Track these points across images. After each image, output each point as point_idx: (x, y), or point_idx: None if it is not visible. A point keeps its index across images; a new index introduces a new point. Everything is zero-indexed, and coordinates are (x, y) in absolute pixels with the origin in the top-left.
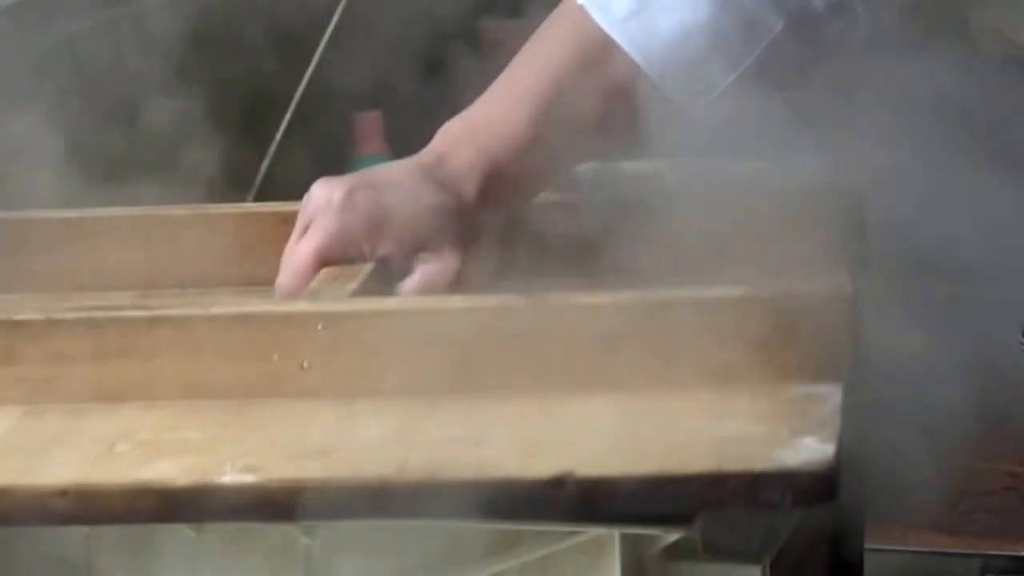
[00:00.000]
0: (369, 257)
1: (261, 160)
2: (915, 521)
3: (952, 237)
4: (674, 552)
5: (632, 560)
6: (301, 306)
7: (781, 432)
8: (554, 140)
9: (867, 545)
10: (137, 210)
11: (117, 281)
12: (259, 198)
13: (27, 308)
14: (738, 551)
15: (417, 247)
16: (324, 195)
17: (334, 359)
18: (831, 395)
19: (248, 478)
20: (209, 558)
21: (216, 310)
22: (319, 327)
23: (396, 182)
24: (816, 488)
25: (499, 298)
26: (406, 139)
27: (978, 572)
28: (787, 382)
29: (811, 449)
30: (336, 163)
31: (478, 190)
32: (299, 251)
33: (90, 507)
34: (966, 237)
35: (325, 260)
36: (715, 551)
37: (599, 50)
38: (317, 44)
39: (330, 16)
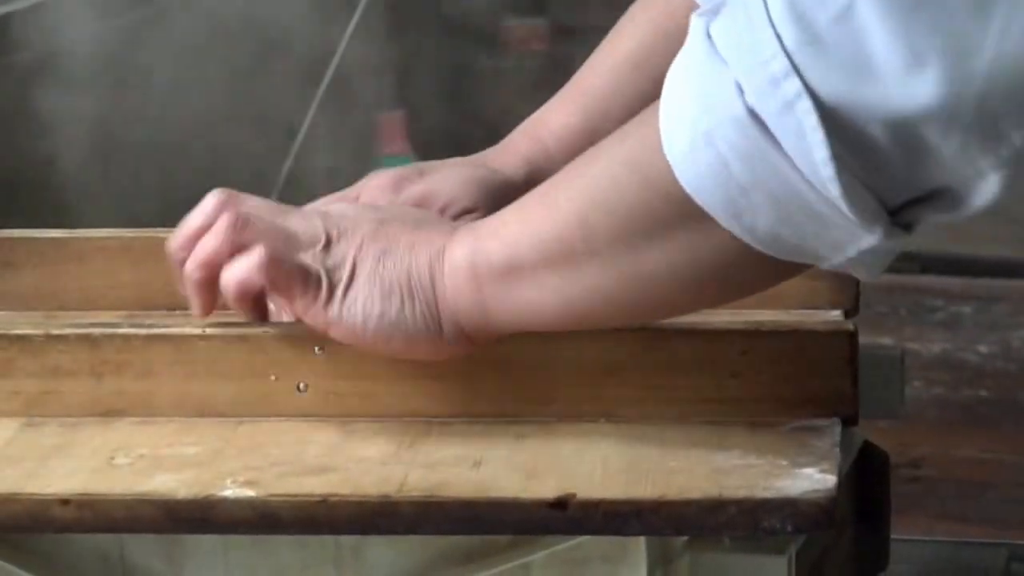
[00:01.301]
0: None
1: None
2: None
3: None
4: (700, 541)
5: (659, 550)
6: (299, 329)
7: (780, 463)
8: None
9: (893, 535)
10: (126, 232)
11: (104, 302)
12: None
13: (25, 323)
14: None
15: None
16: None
17: (331, 382)
18: (830, 428)
19: (249, 492)
20: (240, 550)
21: (213, 330)
22: (316, 350)
23: None
24: (817, 517)
25: None
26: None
27: (1005, 561)
28: (786, 415)
29: (812, 479)
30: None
31: None
32: None
33: (91, 516)
34: None
35: None
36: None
37: None
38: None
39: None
